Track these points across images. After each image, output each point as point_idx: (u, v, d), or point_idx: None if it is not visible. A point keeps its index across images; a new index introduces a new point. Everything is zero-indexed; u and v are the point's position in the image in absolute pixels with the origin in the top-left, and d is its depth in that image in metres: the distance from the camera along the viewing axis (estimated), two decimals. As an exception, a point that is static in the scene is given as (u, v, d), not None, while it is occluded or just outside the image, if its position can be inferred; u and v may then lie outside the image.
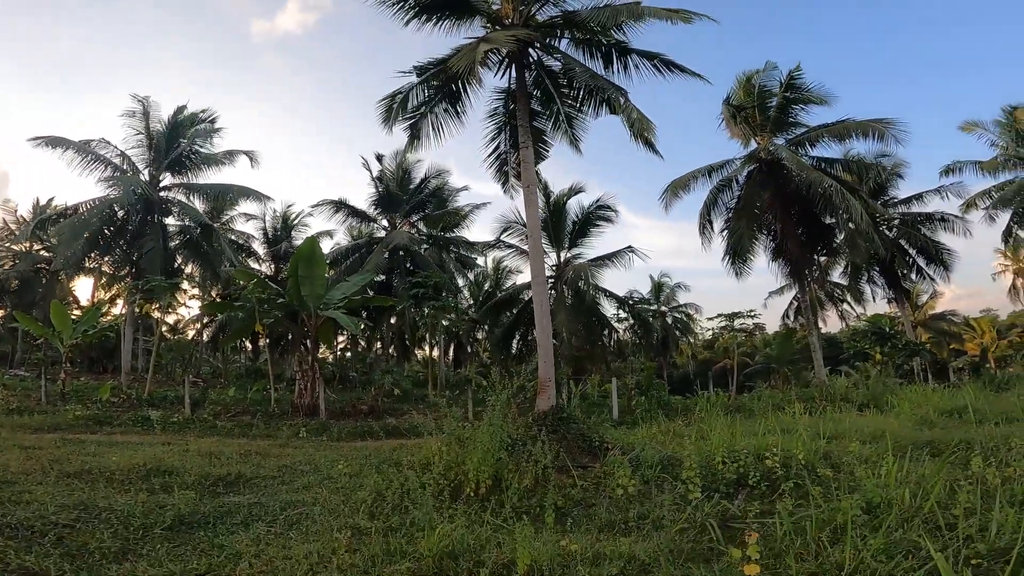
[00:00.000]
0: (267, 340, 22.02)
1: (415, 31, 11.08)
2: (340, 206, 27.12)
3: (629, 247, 23.89)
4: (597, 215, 24.14)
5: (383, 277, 25.61)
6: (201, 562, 3.53)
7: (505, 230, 24.24)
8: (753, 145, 21.49)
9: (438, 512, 4.94)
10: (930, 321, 38.20)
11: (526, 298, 24.99)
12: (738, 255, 21.43)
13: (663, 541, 4.47)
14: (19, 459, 6.40)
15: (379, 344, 31.37)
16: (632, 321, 26.93)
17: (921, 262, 24.78)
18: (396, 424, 13.82)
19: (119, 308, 29.01)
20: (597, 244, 25.05)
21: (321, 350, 20.79)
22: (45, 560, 3.32)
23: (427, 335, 27.57)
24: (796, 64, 20.13)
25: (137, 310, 23.69)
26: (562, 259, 24.46)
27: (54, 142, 21.04)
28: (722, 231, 21.91)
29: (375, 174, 26.76)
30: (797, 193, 19.68)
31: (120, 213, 22.10)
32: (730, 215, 21.65)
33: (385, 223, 27.86)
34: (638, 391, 17.15)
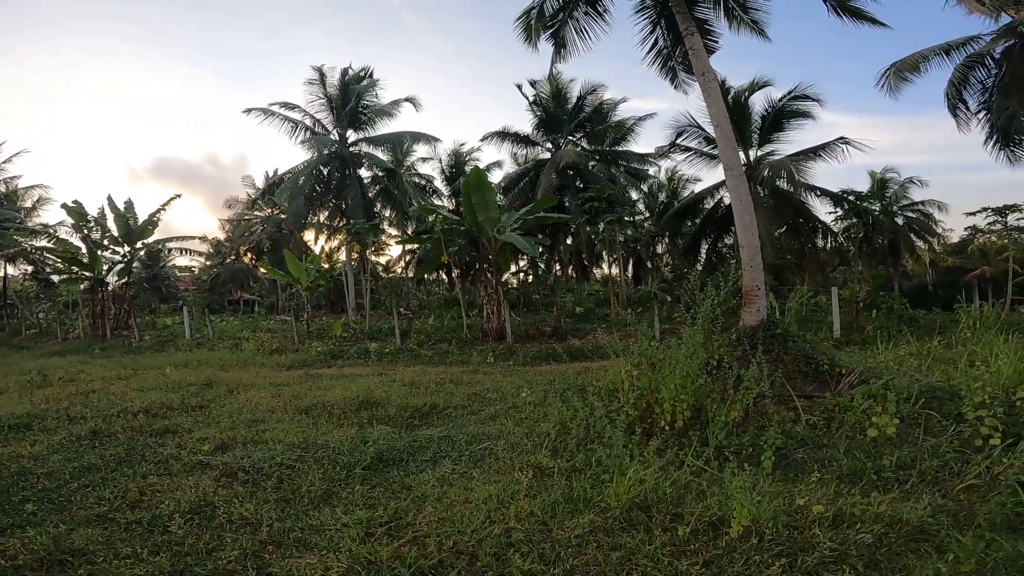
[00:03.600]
0: (458, 270, 23.71)
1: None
2: (504, 135, 27.82)
3: (842, 138, 19.50)
4: (793, 108, 20.18)
5: (550, 196, 25.50)
6: (389, 507, 3.54)
7: (680, 134, 21.90)
8: (1005, 19, 16.89)
9: (626, 450, 4.39)
10: None
11: (709, 205, 22.53)
12: (1010, 137, 17.31)
13: (941, 501, 3.33)
14: (269, 396, 7.63)
15: (558, 266, 31.73)
16: (855, 221, 22.36)
17: None
18: (580, 345, 13.67)
19: (342, 254, 34.06)
20: (794, 141, 20.72)
21: (505, 275, 21.60)
22: (262, 507, 3.63)
23: (604, 252, 26.93)
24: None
25: (355, 254, 27.44)
26: (751, 158, 21.12)
27: (264, 112, 24.65)
28: (978, 112, 17.67)
29: (531, 99, 26.73)
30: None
31: (324, 171, 25.37)
32: (991, 94, 17.27)
33: (549, 145, 27.82)
34: (867, 304, 14.19)
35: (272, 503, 3.69)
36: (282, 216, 38.23)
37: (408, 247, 31.77)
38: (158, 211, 23.14)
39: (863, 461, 4.04)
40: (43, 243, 25.11)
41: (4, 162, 29.65)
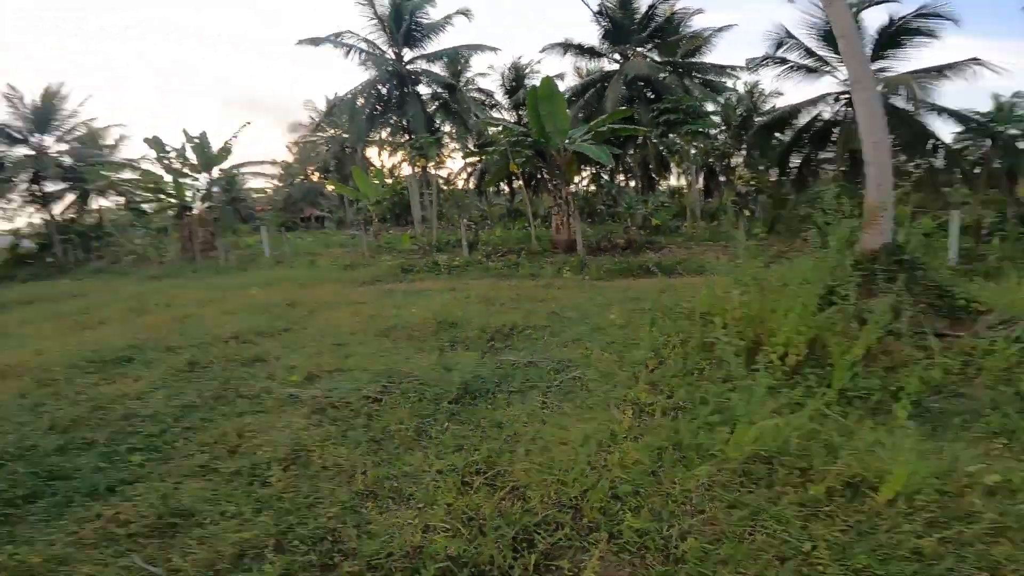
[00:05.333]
0: (521, 180, 23.22)
1: None
2: (567, 47, 26.15)
3: (974, 58, 16.54)
4: (918, 26, 17.07)
5: (623, 108, 24.13)
6: (482, 449, 3.39)
7: (779, 46, 19.57)
8: None
9: (727, 384, 3.97)
10: None
11: (804, 120, 20.17)
12: None
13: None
14: (348, 317, 7.75)
15: (622, 176, 30.28)
16: (973, 143, 19.92)
17: None
18: (658, 260, 12.98)
19: (406, 169, 34.08)
20: (912, 59, 17.74)
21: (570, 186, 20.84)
22: (354, 452, 3.51)
23: (675, 163, 25.28)
24: None
25: (418, 168, 27.42)
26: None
27: (314, 41, 23.86)
28: None
29: (596, 9, 24.65)
30: None
31: (383, 90, 24.91)
32: None
33: (617, 56, 26.13)
34: (990, 230, 12.40)
35: (364, 445, 3.63)
36: (345, 136, 38.41)
37: (470, 160, 31.27)
38: (230, 139, 24.02)
39: (1016, 420, 3.40)
40: (128, 175, 26.51)
41: (79, 106, 29.69)
